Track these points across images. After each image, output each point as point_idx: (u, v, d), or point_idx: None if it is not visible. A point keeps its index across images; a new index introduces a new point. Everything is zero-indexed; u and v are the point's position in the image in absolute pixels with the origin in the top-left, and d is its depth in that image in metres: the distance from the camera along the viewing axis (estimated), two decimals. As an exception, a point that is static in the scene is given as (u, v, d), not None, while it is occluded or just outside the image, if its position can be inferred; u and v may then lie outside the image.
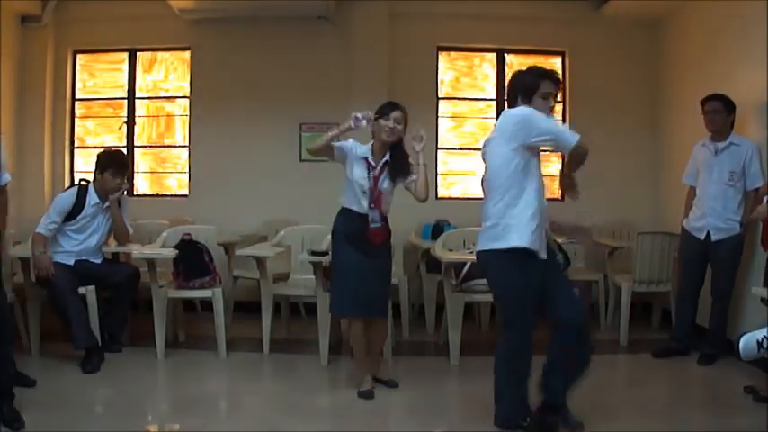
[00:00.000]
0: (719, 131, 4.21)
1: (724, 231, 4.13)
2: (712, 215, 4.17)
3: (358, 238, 3.46)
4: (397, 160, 3.51)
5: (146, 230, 4.97)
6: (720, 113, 4.17)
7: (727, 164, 4.14)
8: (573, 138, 2.83)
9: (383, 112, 3.46)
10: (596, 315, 5.25)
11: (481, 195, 6.20)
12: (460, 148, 6.03)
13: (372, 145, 3.53)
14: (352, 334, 3.59)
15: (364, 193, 3.46)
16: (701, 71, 4.97)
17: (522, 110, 2.89)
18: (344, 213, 3.55)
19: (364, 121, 3.38)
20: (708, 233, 4.19)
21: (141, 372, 4.06)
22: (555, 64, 6.03)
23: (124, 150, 5.66)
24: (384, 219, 3.55)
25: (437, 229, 5.13)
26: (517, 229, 2.80)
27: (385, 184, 3.50)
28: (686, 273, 4.39)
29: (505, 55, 5.99)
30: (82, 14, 5.79)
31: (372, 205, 3.47)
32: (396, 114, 3.45)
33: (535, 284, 2.84)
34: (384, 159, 3.50)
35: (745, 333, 2.39)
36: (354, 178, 3.47)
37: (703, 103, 4.26)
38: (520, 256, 2.81)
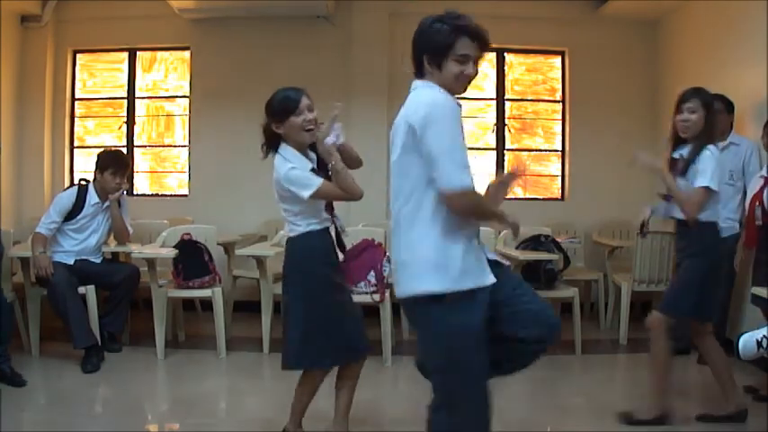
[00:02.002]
0: (721, 131, 4.21)
1: (723, 230, 4.11)
2: None
3: (326, 261, 2.71)
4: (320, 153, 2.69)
5: (146, 230, 4.98)
6: (721, 114, 4.18)
7: (727, 163, 4.14)
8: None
9: (289, 106, 2.60)
10: (596, 314, 5.26)
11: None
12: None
13: (292, 152, 2.67)
14: (307, 385, 2.91)
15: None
16: (701, 71, 4.96)
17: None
18: (304, 239, 2.68)
19: (339, 132, 2.62)
20: None
21: (141, 371, 4.06)
22: (555, 64, 6.04)
23: (124, 150, 5.66)
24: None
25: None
26: None
27: None
28: None
29: (505, 55, 5.99)
30: (82, 14, 5.79)
31: (330, 208, 2.74)
32: (306, 102, 2.64)
33: None
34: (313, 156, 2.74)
35: (744, 333, 2.39)
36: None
37: None
38: None
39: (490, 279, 2.03)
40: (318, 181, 2.55)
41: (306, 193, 2.53)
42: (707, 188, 3.00)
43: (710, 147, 3.07)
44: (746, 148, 4.11)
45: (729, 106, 4.17)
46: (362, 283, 4.15)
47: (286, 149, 2.65)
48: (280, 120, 2.62)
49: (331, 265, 2.72)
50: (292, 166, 2.58)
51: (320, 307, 2.65)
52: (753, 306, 3.78)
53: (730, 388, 3.21)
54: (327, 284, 2.68)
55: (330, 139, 2.55)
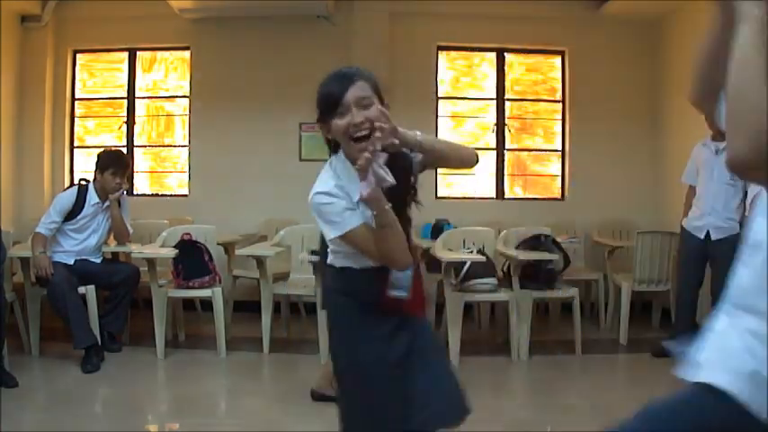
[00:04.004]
0: (723, 132, 4.19)
1: (724, 231, 4.14)
2: (712, 214, 4.18)
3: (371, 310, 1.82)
4: (393, 167, 1.66)
5: (146, 230, 4.97)
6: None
7: (728, 164, 4.14)
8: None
9: (329, 100, 1.72)
10: (596, 314, 5.26)
11: (479, 194, 6.18)
12: (460, 148, 6.02)
13: (344, 166, 1.77)
14: None
15: None
16: (701, 71, 4.96)
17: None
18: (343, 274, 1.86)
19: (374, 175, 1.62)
20: (708, 232, 4.20)
21: (141, 371, 4.06)
22: (555, 64, 6.04)
23: (124, 150, 5.66)
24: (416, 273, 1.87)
25: (437, 229, 5.13)
26: None
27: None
28: (686, 272, 4.38)
29: (505, 55, 5.99)
30: (82, 14, 5.79)
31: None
32: (355, 91, 1.70)
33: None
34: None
35: None
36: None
37: None
38: None
39: None
40: (352, 223, 1.71)
41: (331, 234, 1.73)
42: None
43: None
44: None
45: None
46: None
47: (338, 160, 1.79)
48: (322, 120, 1.77)
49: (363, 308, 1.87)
50: (322, 191, 1.73)
51: (356, 373, 1.93)
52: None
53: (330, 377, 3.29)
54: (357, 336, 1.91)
55: (362, 189, 1.62)
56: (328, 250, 1.85)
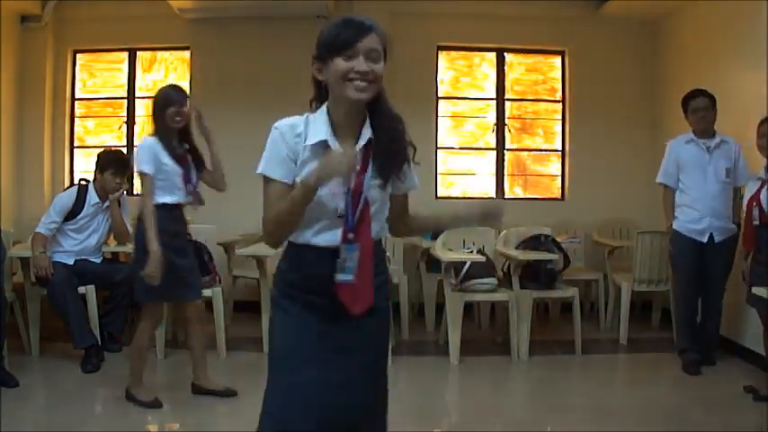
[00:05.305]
0: (710, 129, 4.14)
1: (726, 231, 4.06)
2: (714, 215, 4.04)
3: (318, 303, 1.71)
4: (386, 132, 1.70)
5: (146, 230, 4.96)
6: (710, 110, 4.11)
7: (723, 161, 4.06)
8: None
9: (339, 41, 1.63)
10: (596, 314, 5.26)
11: (480, 194, 6.18)
12: (460, 148, 6.04)
13: (329, 116, 1.71)
14: None
15: (339, 216, 1.67)
16: (701, 71, 4.96)
17: None
18: (294, 253, 1.76)
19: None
20: (710, 235, 4.05)
21: (141, 371, 4.05)
22: (555, 64, 6.04)
23: (124, 150, 5.65)
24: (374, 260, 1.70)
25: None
26: None
27: (373, 190, 1.69)
28: (689, 279, 4.14)
29: (505, 54, 5.99)
30: (82, 14, 5.79)
31: (352, 236, 1.66)
32: (369, 42, 1.63)
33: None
34: (364, 138, 1.70)
35: None
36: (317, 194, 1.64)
37: (689, 99, 4.14)
38: None
39: None
40: (274, 173, 1.85)
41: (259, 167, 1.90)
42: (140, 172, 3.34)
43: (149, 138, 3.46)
44: (734, 145, 4.08)
45: (714, 101, 4.10)
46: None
47: (320, 112, 1.75)
48: (321, 58, 1.68)
49: (305, 298, 1.77)
50: (284, 123, 1.77)
51: (281, 357, 2.02)
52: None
53: (137, 376, 3.46)
54: (292, 325, 1.87)
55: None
56: None
